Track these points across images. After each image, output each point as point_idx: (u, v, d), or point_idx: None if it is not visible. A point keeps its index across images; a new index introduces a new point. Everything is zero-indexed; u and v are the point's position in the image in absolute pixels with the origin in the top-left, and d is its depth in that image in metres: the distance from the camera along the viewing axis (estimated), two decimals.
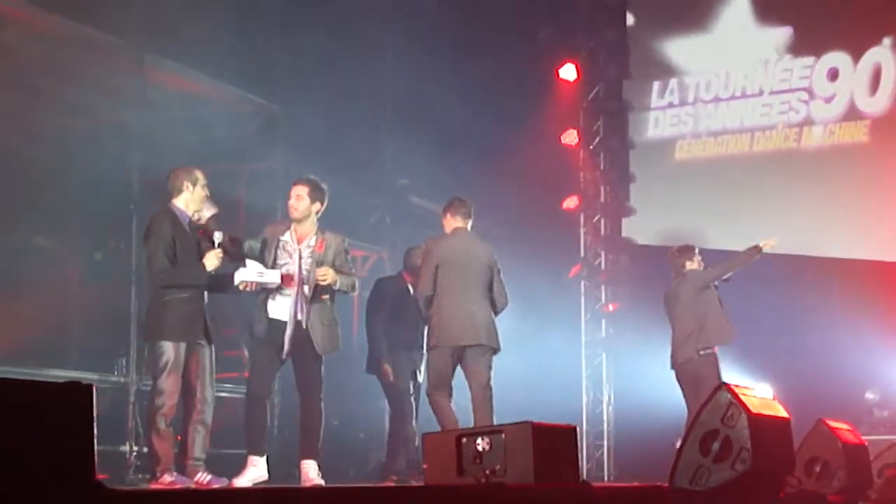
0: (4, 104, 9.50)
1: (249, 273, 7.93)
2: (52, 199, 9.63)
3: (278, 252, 8.21)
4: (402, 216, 14.02)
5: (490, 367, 8.76)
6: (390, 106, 13.86)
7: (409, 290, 10.00)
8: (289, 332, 8.09)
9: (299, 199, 8.27)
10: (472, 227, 9.00)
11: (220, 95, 11.38)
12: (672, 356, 10.30)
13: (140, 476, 9.13)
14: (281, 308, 8.16)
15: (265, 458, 8.13)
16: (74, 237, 10.45)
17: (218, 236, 7.87)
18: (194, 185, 7.90)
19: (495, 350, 8.81)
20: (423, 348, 9.65)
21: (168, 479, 7.48)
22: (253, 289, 8.06)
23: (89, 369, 9.70)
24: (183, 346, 7.67)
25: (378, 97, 13.77)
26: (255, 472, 8.03)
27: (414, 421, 10.06)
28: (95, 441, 3.48)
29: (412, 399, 10.10)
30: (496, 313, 8.90)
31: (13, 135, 9.68)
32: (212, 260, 7.78)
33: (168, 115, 10.64)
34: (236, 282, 7.93)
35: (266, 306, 8.17)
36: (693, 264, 10.33)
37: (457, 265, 8.76)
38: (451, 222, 8.96)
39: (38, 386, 3.45)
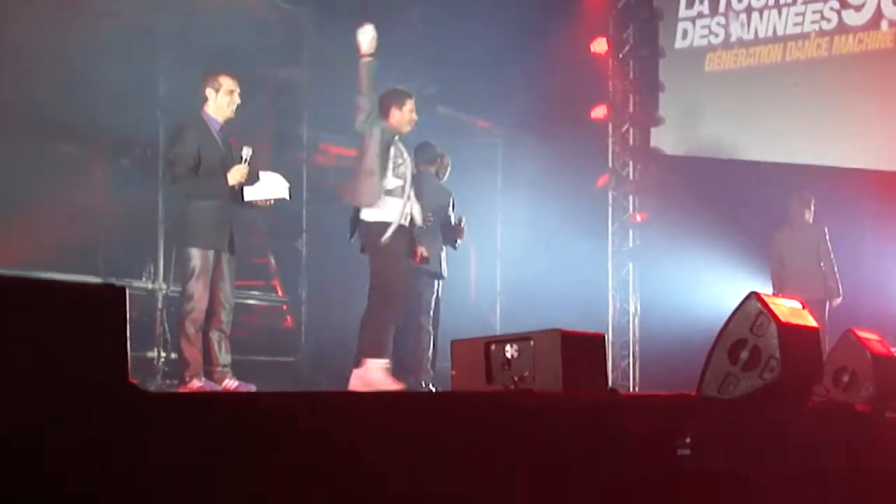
0: (30, 9, 9.41)
1: (256, 192, 7.92)
2: (78, 105, 9.57)
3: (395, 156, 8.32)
4: (429, 125, 13.87)
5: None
6: (418, 14, 13.68)
7: None
8: (389, 231, 8.10)
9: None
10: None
11: (247, 0, 11.27)
12: (776, 287, 11.21)
13: (168, 382, 9.21)
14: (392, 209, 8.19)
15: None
16: (101, 143, 10.41)
17: (247, 152, 7.83)
18: (217, 91, 7.84)
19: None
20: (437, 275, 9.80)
21: (197, 385, 7.53)
22: (267, 205, 8.10)
23: (116, 276, 9.71)
24: (211, 252, 7.70)
25: (407, 5, 13.59)
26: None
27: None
28: (128, 343, 3.48)
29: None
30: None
31: (38, 39, 9.61)
32: (234, 174, 7.75)
33: (195, 20, 10.54)
34: (246, 199, 7.92)
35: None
36: (810, 213, 11.43)
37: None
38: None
39: (72, 287, 3.45)
